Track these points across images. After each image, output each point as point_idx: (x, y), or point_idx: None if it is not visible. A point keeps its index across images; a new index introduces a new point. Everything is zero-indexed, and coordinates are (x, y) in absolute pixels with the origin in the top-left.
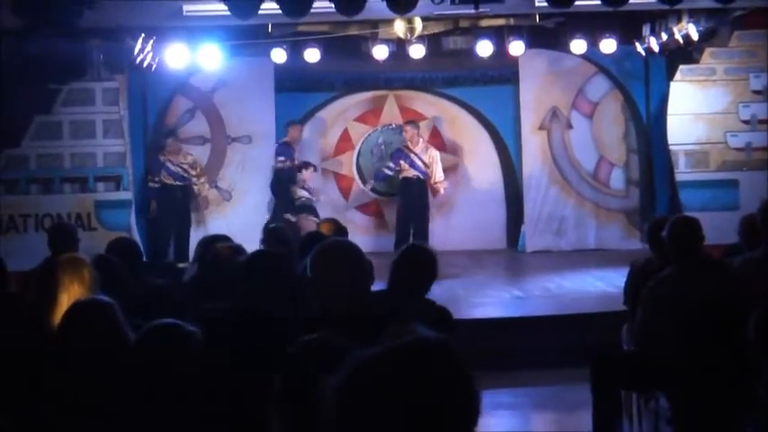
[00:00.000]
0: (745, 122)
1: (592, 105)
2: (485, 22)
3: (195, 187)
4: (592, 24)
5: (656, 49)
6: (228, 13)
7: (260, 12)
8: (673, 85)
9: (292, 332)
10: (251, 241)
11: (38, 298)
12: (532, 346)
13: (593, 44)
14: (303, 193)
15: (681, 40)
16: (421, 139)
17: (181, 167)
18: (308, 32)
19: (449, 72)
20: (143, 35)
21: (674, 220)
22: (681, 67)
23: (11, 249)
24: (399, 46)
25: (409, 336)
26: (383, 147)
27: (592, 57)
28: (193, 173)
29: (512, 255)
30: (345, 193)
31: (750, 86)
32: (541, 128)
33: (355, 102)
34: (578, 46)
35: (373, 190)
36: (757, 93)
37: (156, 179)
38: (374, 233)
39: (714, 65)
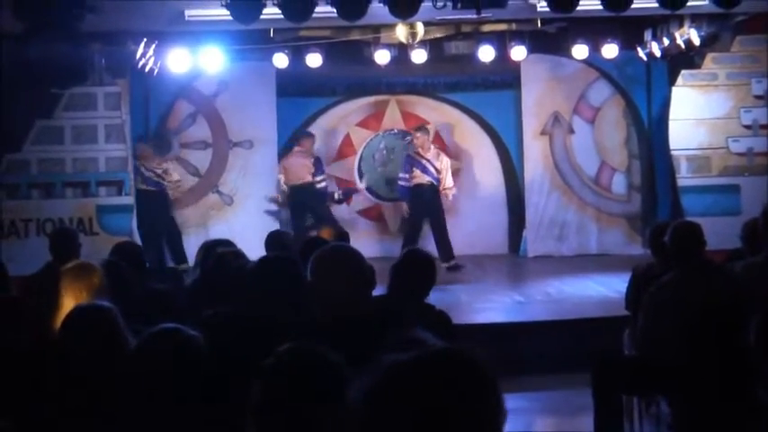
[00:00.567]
0: (747, 127)
1: (593, 110)
2: (486, 27)
3: (170, 192)
4: (593, 29)
5: (657, 54)
6: (230, 17)
7: (262, 16)
8: (674, 90)
9: (295, 338)
10: (252, 246)
11: (42, 302)
12: (534, 351)
13: (594, 49)
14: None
15: (682, 45)
16: (432, 146)
17: (154, 172)
18: (310, 37)
19: (451, 77)
20: (145, 39)
21: (676, 226)
22: (682, 72)
23: (12, 254)
24: (401, 51)
25: (436, 345)
26: (385, 152)
27: (593, 62)
28: (167, 179)
29: (513, 260)
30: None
31: (752, 91)
32: (543, 133)
33: (357, 107)
34: (580, 51)
35: (369, 189)
36: (759, 98)
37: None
38: (377, 238)
39: (716, 70)
